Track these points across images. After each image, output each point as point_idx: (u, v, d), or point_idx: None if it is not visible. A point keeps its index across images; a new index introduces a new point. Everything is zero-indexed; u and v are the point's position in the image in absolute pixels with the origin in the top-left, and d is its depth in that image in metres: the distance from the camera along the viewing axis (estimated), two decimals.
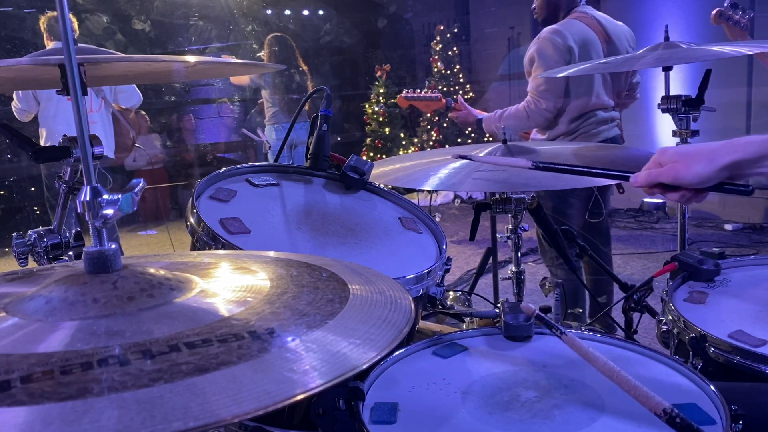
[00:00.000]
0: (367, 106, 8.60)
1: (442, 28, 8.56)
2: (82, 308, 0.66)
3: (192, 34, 8.56)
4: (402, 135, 8.69)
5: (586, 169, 1.20)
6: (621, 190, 2.68)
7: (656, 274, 1.46)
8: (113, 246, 0.73)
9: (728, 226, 6.05)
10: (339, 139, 9.12)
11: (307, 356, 0.59)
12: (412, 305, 0.76)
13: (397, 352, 1.06)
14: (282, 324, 0.66)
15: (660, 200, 6.59)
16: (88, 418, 0.48)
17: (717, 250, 1.51)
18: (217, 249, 1.16)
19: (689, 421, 0.75)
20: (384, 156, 8.24)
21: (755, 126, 6.23)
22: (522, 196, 1.64)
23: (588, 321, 2.61)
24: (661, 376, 0.98)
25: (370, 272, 0.88)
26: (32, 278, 0.83)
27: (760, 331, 1.14)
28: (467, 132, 8.31)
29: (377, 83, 8.46)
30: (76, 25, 4.64)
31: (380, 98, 8.43)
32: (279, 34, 5.98)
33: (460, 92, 8.55)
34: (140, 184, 0.76)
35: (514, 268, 1.77)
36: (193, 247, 1.26)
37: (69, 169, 1.38)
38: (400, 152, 8.26)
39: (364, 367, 0.59)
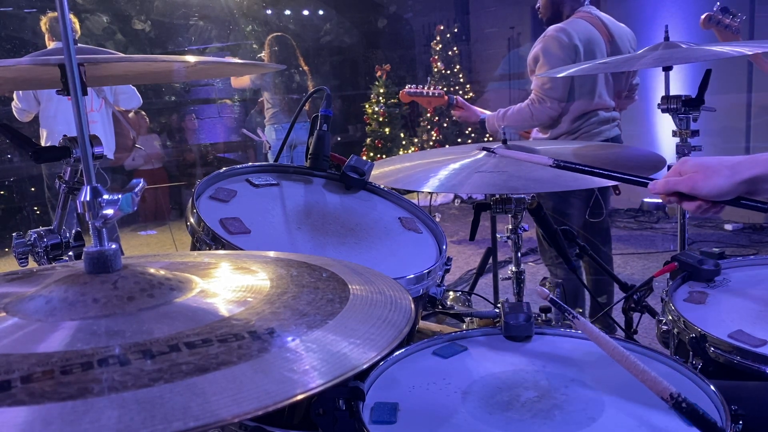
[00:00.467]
0: (367, 106, 8.60)
1: (442, 28, 8.56)
2: (82, 308, 0.66)
3: (192, 34, 8.56)
4: (402, 135, 8.69)
5: (605, 172, 1.22)
6: (617, 192, 2.68)
7: (656, 274, 1.46)
8: (113, 246, 0.73)
9: (728, 226, 6.05)
10: (339, 139, 9.12)
11: (307, 356, 0.59)
12: (412, 305, 0.76)
13: (397, 352, 1.06)
14: (282, 324, 0.66)
15: (660, 200, 6.58)
16: (88, 418, 0.49)
17: (717, 250, 1.51)
18: (217, 249, 1.16)
19: (695, 406, 0.75)
20: (384, 156, 8.24)
21: (755, 126, 6.23)
22: (522, 196, 1.64)
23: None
24: (662, 376, 0.98)
25: (370, 272, 0.88)
26: (32, 278, 0.83)
27: (760, 331, 1.14)
28: (467, 132, 8.31)
29: (377, 83, 8.46)
30: (77, 26, 4.64)
31: (380, 98, 8.43)
32: (279, 34, 5.97)
33: (460, 92, 8.55)
34: (140, 184, 0.76)
35: (514, 268, 1.77)
36: (193, 247, 1.26)
37: (69, 169, 1.38)
38: (400, 152, 8.26)
39: (364, 367, 0.59)
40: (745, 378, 1.07)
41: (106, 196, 0.72)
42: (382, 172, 1.69)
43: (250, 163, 1.53)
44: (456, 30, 8.71)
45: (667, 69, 2.03)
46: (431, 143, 8.37)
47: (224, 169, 1.46)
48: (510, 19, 8.43)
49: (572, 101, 2.77)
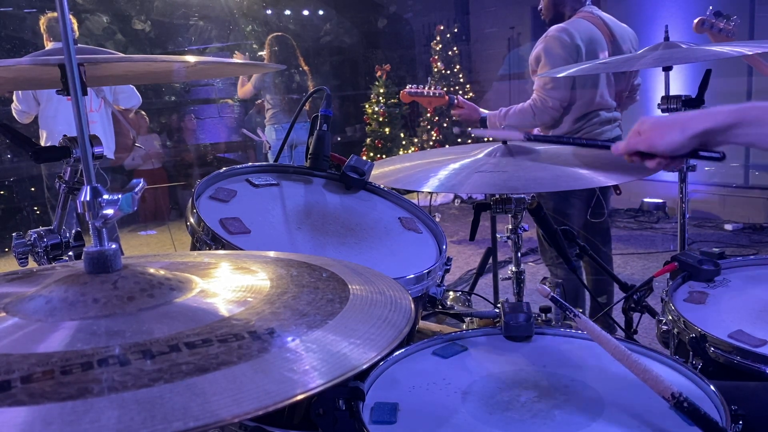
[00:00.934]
0: (367, 106, 8.60)
1: (442, 28, 8.56)
2: (82, 308, 0.66)
3: (192, 34, 8.56)
4: (402, 135, 8.69)
5: (573, 140, 1.41)
6: (618, 192, 2.68)
7: (656, 274, 1.46)
8: (113, 246, 0.73)
9: (728, 226, 6.05)
10: (339, 139, 9.12)
11: (307, 356, 0.59)
12: (412, 305, 0.76)
13: (397, 352, 1.06)
14: (282, 324, 0.66)
15: (660, 200, 6.59)
16: (88, 418, 0.48)
17: (717, 250, 1.51)
18: (217, 249, 1.16)
19: (696, 405, 0.75)
20: (384, 156, 8.24)
21: None
22: (522, 196, 1.64)
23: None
24: (662, 376, 0.98)
25: (370, 272, 0.88)
26: (32, 278, 0.83)
27: (760, 331, 1.14)
28: (468, 131, 8.30)
29: (377, 83, 8.46)
30: (75, 26, 4.64)
31: (380, 98, 8.43)
32: (280, 34, 5.97)
33: (460, 92, 8.54)
34: (140, 184, 0.76)
35: (514, 268, 1.76)
36: (193, 247, 1.26)
37: (69, 169, 1.38)
38: (400, 152, 8.26)
39: (364, 367, 0.59)
40: (745, 378, 1.07)
41: (106, 196, 0.72)
42: (382, 172, 1.69)
43: (250, 163, 1.53)
44: (456, 30, 8.71)
45: (667, 69, 2.03)
46: (431, 143, 8.37)
47: (224, 169, 1.46)
48: (510, 19, 8.43)
49: (574, 101, 2.77)
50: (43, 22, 4.51)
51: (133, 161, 7.33)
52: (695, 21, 2.72)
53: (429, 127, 8.48)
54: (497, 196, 1.64)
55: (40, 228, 1.40)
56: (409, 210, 1.57)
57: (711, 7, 2.72)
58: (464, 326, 1.58)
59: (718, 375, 1.10)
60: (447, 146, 7.30)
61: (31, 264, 1.36)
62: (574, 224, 2.86)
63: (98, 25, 7.62)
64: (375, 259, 1.30)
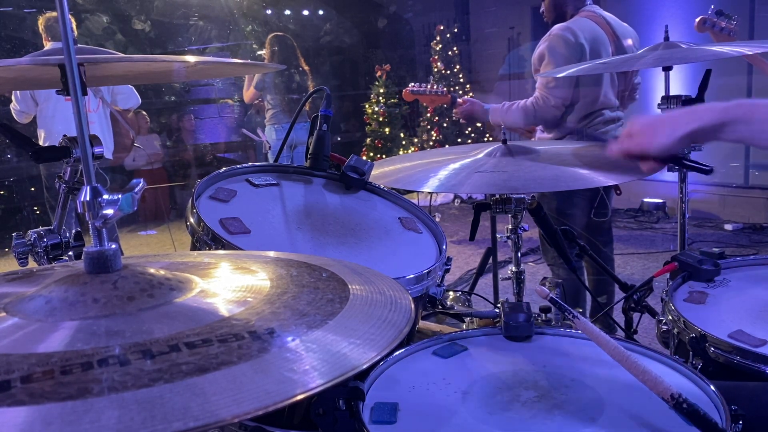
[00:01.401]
0: (367, 106, 8.60)
1: (442, 28, 8.56)
2: (82, 308, 0.66)
3: (192, 34, 8.56)
4: (402, 135, 8.69)
5: (581, 132, 1.32)
6: (618, 192, 2.68)
7: (656, 274, 1.46)
8: (113, 246, 0.73)
9: (728, 226, 6.05)
10: (339, 139, 9.12)
11: (307, 356, 0.59)
12: (412, 305, 0.76)
13: (397, 352, 1.06)
14: (282, 324, 0.66)
15: (660, 200, 6.59)
16: (88, 418, 0.48)
17: (717, 250, 1.51)
18: (217, 249, 1.16)
19: (696, 407, 0.75)
20: (384, 156, 8.24)
21: None
22: (522, 196, 1.64)
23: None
24: (662, 376, 0.98)
25: (370, 272, 0.88)
26: (32, 278, 0.83)
27: (760, 331, 1.14)
28: (467, 132, 8.31)
29: (377, 83, 8.46)
30: (74, 25, 4.64)
31: (380, 98, 8.43)
32: (280, 33, 5.97)
33: (460, 92, 8.54)
34: (140, 184, 0.76)
35: (514, 268, 1.76)
36: (193, 247, 1.26)
37: (69, 169, 1.38)
38: (400, 152, 8.26)
39: (364, 367, 0.59)
40: (745, 378, 1.07)
41: (106, 196, 0.72)
42: (382, 172, 1.69)
43: (250, 163, 1.53)
44: (456, 30, 8.71)
45: (667, 69, 2.03)
46: (431, 143, 8.37)
47: (224, 169, 1.46)
48: (510, 19, 8.44)
49: (577, 100, 2.77)
50: (41, 21, 4.51)
51: (133, 161, 7.33)
52: (697, 20, 2.72)
53: (429, 127, 8.48)
54: (497, 196, 1.64)
55: (40, 228, 1.40)
56: (409, 210, 1.57)
57: (712, 6, 2.72)
58: (464, 326, 1.58)
59: (718, 375, 1.10)
60: (447, 146, 7.31)
61: (31, 264, 1.36)
62: (577, 224, 2.85)
63: (98, 25, 7.62)
64: (375, 259, 1.30)
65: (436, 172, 1.56)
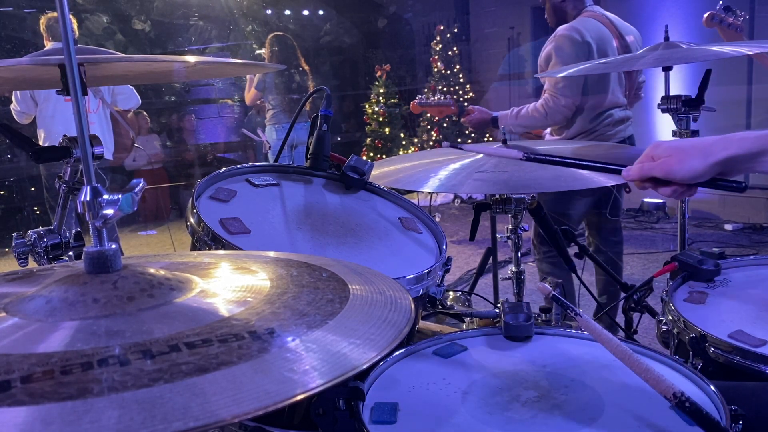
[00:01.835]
0: (367, 106, 8.61)
1: (442, 28, 8.56)
2: (82, 308, 0.66)
3: (192, 34, 8.56)
4: (402, 135, 8.69)
5: (577, 162, 1.19)
6: (627, 189, 2.67)
7: (656, 274, 1.46)
8: (113, 246, 0.73)
9: (728, 226, 6.05)
10: (339, 139, 9.12)
11: (307, 356, 0.59)
12: (412, 305, 0.76)
13: (397, 352, 1.06)
14: (282, 324, 0.66)
15: (660, 200, 6.59)
16: (88, 418, 0.48)
17: (717, 250, 1.51)
18: (217, 249, 1.16)
19: (698, 405, 0.75)
20: (384, 156, 8.24)
21: (755, 125, 6.23)
22: (522, 196, 1.64)
23: None
24: (664, 375, 0.98)
25: (370, 272, 0.88)
26: (32, 278, 0.83)
27: (760, 331, 1.14)
28: (467, 132, 8.31)
29: (377, 83, 8.46)
30: (75, 26, 4.64)
31: (380, 98, 8.43)
32: (280, 33, 5.97)
33: (460, 92, 8.55)
34: (140, 184, 0.76)
35: (514, 268, 1.77)
36: (193, 247, 1.26)
37: (69, 169, 1.38)
38: (400, 152, 8.27)
39: (364, 367, 0.59)
40: (745, 378, 1.07)
41: (106, 196, 0.72)
42: (382, 172, 1.69)
43: (250, 163, 1.53)
44: (456, 30, 8.71)
45: (667, 69, 2.03)
46: (431, 143, 8.37)
47: (224, 169, 1.46)
48: (510, 19, 8.44)
49: (586, 101, 2.76)
50: (42, 21, 4.51)
51: (134, 162, 7.33)
52: (705, 15, 2.73)
53: (429, 127, 8.49)
54: (497, 196, 1.64)
55: (40, 228, 1.40)
56: (409, 210, 1.57)
57: (721, 2, 2.73)
58: (464, 326, 1.58)
59: (718, 375, 1.10)
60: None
61: (31, 264, 1.36)
62: (576, 224, 2.85)
63: (98, 25, 7.62)
64: (375, 259, 1.30)
65: (436, 172, 1.56)
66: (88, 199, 0.71)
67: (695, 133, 1.88)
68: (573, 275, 1.92)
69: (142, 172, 7.39)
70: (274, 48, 5.74)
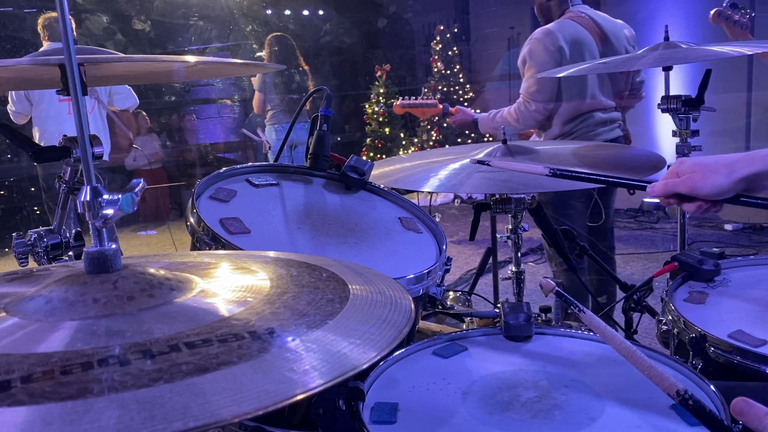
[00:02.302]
0: (367, 106, 8.61)
1: (442, 28, 8.56)
2: (82, 308, 0.66)
3: (192, 34, 8.57)
4: (402, 135, 8.69)
5: (603, 177, 1.21)
6: (632, 192, 2.67)
7: (656, 274, 1.46)
8: (113, 246, 0.73)
9: (728, 226, 6.05)
10: (339, 139, 9.13)
11: (307, 356, 0.59)
12: (412, 305, 0.76)
13: (397, 352, 1.06)
14: (282, 324, 0.66)
15: (659, 201, 6.58)
16: (88, 418, 0.48)
17: (717, 250, 1.51)
18: (217, 249, 1.16)
19: (702, 403, 0.75)
20: (384, 156, 8.24)
21: (755, 125, 6.23)
22: (522, 196, 1.64)
23: None
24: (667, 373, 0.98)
25: (370, 272, 0.88)
26: (32, 278, 0.83)
27: (760, 331, 1.14)
28: (467, 132, 8.31)
29: (377, 83, 8.46)
30: (74, 26, 4.64)
31: (380, 98, 8.44)
32: (279, 33, 5.97)
33: (460, 92, 8.55)
34: (140, 184, 0.76)
35: (514, 268, 1.77)
36: (193, 247, 1.26)
37: (69, 169, 1.38)
38: (400, 152, 8.27)
39: (364, 367, 0.59)
40: (745, 378, 1.07)
41: (106, 196, 0.72)
42: (382, 172, 1.69)
43: (250, 163, 1.53)
44: (456, 30, 8.72)
45: (667, 69, 2.03)
46: (431, 143, 8.37)
47: (224, 169, 1.46)
48: (510, 19, 8.44)
49: (561, 103, 2.75)
50: (40, 21, 4.50)
51: (134, 162, 7.34)
52: (712, 12, 2.73)
53: (429, 127, 8.49)
54: (497, 196, 1.64)
55: (40, 228, 1.40)
56: (409, 210, 1.57)
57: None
58: (464, 326, 1.58)
59: (718, 375, 1.10)
60: (447, 146, 7.30)
61: (31, 264, 1.36)
62: (576, 225, 2.85)
63: (98, 25, 7.62)
64: (375, 259, 1.30)
65: (436, 172, 1.56)
66: (88, 199, 0.71)
67: (695, 134, 1.88)
68: (576, 275, 1.92)
69: (142, 172, 7.39)
70: (274, 48, 5.74)
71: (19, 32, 7.14)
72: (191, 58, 1.30)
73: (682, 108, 1.87)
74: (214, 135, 8.96)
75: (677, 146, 1.89)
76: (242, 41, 8.83)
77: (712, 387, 0.90)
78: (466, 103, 8.45)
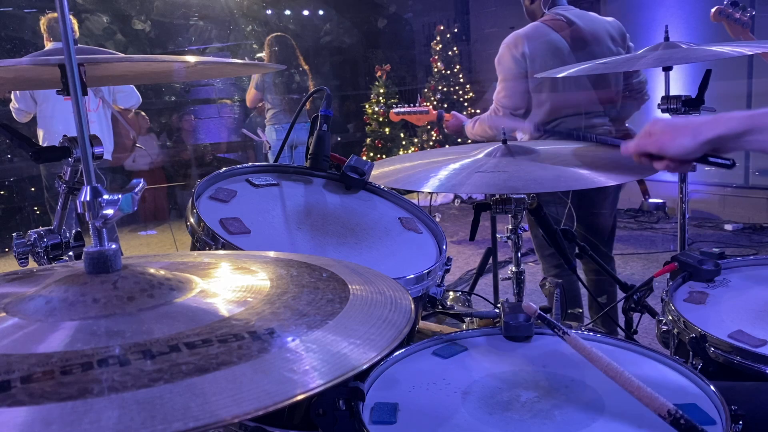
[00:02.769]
0: (367, 106, 8.61)
1: (442, 28, 8.56)
2: (82, 308, 0.66)
3: (192, 34, 8.57)
4: (402, 135, 8.69)
5: (582, 135, 1.35)
6: (647, 196, 2.66)
7: (656, 274, 1.46)
8: (113, 246, 0.73)
9: (728, 226, 6.05)
10: (339, 139, 9.13)
11: (307, 356, 0.59)
12: (412, 305, 0.76)
13: (397, 352, 1.06)
14: (282, 324, 0.66)
15: (660, 200, 6.59)
16: (88, 418, 0.48)
17: (717, 250, 1.51)
18: (217, 249, 1.16)
19: (693, 423, 0.75)
20: (384, 156, 8.24)
21: None
22: (522, 196, 1.64)
23: (588, 321, 2.60)
24: (662, 376, 0.98)
25: (370, 272, 0.88)
26: (32, 278, 0.83)
27: (760, 331, 1.14)
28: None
29: (377, 83, 8.46)
30: (76, 26, 4.63)
31: (380, 98, 8.43)
32: (279, 34, 5.97)
33: (460, 92, 8.55)
34: (140, 184, 0.76)
35: (514, 268, 1.76)
36: (193, 247, 1.26)
37: (69, 169, 1.38)
38: (400, 152, 8.27)
39: (364, 367, 0.59)
40: (745, 378, 1.07)
41: (106, 196, 0.72)
42: (382, 172, 1.69)
43: (250, 163, 1.53)
44: (456, 30, 8.72)
45: (667, 69, 2.03)
46: (431, 143, 8.37)
47: (224, 169, 1.46)
48: (510, 19, 8.42)
49: (530, 109, 2.73)
50: (43, 22, 4.51)
51: (133, 162, 7.33)
52: (713, 10, 2.73)
53: (429, 127, 8.48)
54: (497, 196, 1.64)
55: (40, 228, 1.40)
56: (409, 210, 1.57)
57: None
58: (464, 326, 1.58)
59: (718, 375, 1.10)
60: (447, 146, 7.28)
61: (31, 264, 1.36)
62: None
63: (98, 25, 7.62)
64: (375, 259, 1.30)
65: (437, 172, 1.56)
66: (88, 199, 0.71)
67: None
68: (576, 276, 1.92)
69: (142, 172, 7.38)
70: (274, 48, 5.74)
71: (19, 32, 7.15)
72: (191, 58, 1.30)
73: (682, 108, 1.87)
74: (214, 135, 8.96)
75: None
76: (242, 41, 8.84)
77: (712, 387, 0.90)
78: (466, 103, 8.45)
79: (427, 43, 9.12)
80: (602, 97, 2.81)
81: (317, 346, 0.62)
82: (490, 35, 8.77)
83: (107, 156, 4.66)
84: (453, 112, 2.98)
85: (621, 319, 1.65)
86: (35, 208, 6.77)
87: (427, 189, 1.47)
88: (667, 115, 1.90)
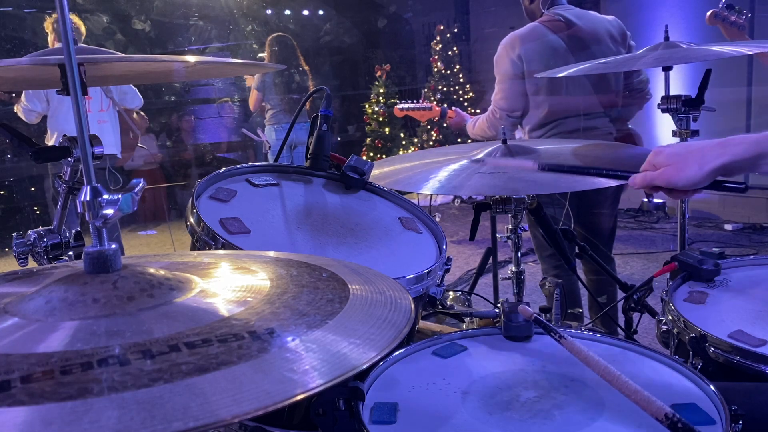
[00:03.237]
0: (367, 106, 8.61)
1: (442, 28, 8.56)
2: (82, 308, 0.66)
3: (192, 34, 8.57)
4: (402, 135, 8.69)
5: (588, 169, 1.25)
6: (650, 196, 2.66)
7: (656, 274, 1.46)
8: (113, 246, 0.73)
9: (728, 226, 6.05)
10: (339, 139, 9.13)
11: (307, 356, 0.59)
12: (412, 305, 0.76)
13: (397, 352, 1.06)
14: (282, 324, 0.66)
15: (660, 200, 6.59)
16: (88, 418, 0.49)
17: (717, 250, 1.51)
18: (217, 249, 1.16)
19: (691, 426, 0.75)
20: (384, 156, 8.24)
21: (755, 125, 6.23)
22: (522, 196, 1.64)
23: (587, 321, 2.60)
24: (661, 376, 0.98)
25: (370, 272, 0.88)
26: (32, 278, 0.83)
27: (760, 331, 1.14)
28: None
29: (377, 83, 8.46)
30: (83, 28, 4.60)
31: (380, 98, 8.44)
32: (280, 34, 5.97)
33: (460, 92, 8.55)
34: (140, 184, 0.76)
35: (514, 268, 1.77)
36: (193, 247, 1.26)
37: (69, 169, 1.38)
38: (400, 152, 8.26)
39: (364, 367, 0.59)
40: (745, 378, 1.07)
41: (106, 196, 0.72)
42: (382, 172, 1.69)
43: (250, 163, 1.53)
44: (456, 30, 8.72)
45: (667, 69, 2.03)
46: (431, 143, 8.37)
47: (224, 169, 1.46)
48: (510, 19, 8.41)
49: (527, 111, 2.73)
50: (50, 22, 4.50)
51: (132, 162, 7.32)
52: (708, 13, 2.73)
53: (429, 127, 8.48)
54: (497, 196, 1.64)
55: (40, 228, 1.40)
56: (409, 210, 1.57)
57: (723, 0, 2.73)
58: (464, 326, 1.58)
59: (718, 375, 1.10)
60: (447, 146, 7.28)
61: (31, 264, 1.36)
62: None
63: (98, 25, 7.62)
64: (375, 259, 1.30)
65: (437, 173, 1.56)
66: (88, 199, 0.72)
67: (695, 133, 1.88)
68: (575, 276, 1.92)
69: (142, 172, 7.38)
70: (274, 48, 5.74)
71: (19, 32, 7.15)
72: (191, 58, 1.30)
73: (682, 108, 1.87)
74: (214, 135, 8.96)
75: None
76: (242, 41, 8.84)
77: (712, 387, 0.90)
78: (466, 103, 8.45)
79: (427, 42, 9.12)
80: (602, 97, 2.80)
81: (317, 346, 0.62)
82: (490, 35, 8.76)
83: (119, 154, 4.68)
84: (455, 109, 2.98)
85: (621, 319, 1.65)
86: (35, 208, 6.77)
87: (427, 190, 1.48)
88: (667, 115, 1.90)
